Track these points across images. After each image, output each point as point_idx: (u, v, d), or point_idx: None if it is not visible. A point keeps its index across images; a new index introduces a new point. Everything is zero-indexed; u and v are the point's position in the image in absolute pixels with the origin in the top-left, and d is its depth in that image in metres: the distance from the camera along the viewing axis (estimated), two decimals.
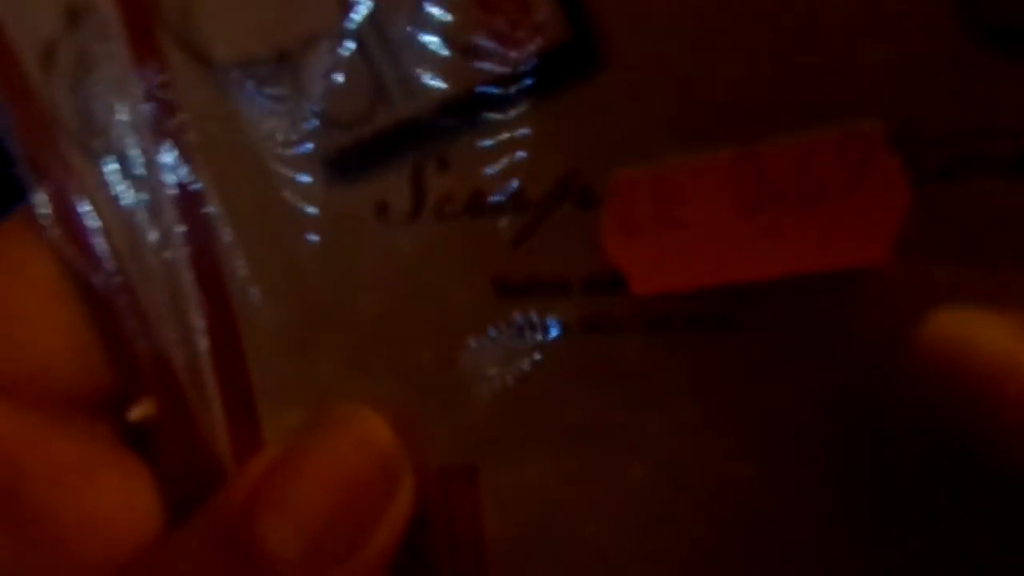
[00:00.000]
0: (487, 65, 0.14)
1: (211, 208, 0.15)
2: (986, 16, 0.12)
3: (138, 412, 0.16)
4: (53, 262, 0.16)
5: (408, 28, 0.14)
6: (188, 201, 0.15)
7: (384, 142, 0.15)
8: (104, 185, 0.15)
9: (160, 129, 0.15)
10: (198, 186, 0.15)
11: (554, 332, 0.15)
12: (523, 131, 0.14)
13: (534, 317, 0.15)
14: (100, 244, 0.16)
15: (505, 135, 0.14)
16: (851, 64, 0.13)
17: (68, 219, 0.16)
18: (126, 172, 0.15)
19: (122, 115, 0.15)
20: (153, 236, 0.15)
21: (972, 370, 0.12)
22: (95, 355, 0.16)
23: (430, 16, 0.14)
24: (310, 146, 0.15)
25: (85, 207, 0.16)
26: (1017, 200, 0.13)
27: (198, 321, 0.15)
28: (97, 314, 0.16)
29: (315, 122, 0.15)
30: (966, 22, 0.12)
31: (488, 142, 0.14)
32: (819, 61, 0.13)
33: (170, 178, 0.15)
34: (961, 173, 0.13)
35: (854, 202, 0.13)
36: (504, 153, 0.14)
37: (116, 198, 0.15)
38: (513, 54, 0.14)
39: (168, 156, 0.15)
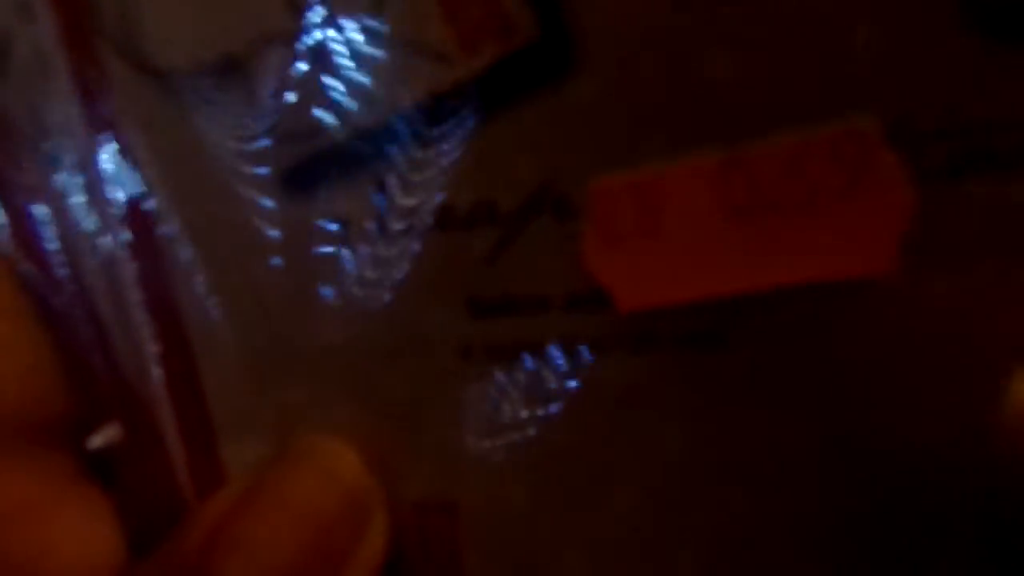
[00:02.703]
0: (451, 69, 0.13)
1: (163, 227, 0.14)
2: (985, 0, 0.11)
3: (100, 439, 0.15)
4: (9, 279, 0.15)
5: (365, 32, 0.13)
6: (136, 220, 0.14)
7: (343, 154, 0.14)
8: (61, 197, 0.15)
9: (104, 140, 0.14)
10: (147, 203, 0.14)
11: (572, 383, 0.14)
12: (493, 138, 0.13)
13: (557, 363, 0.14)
14: (58, 261, 0.15)
15: (474, 143, 0.13)
16: (842, 57, 0.12)
17: (25, 233, 0.15)
18: (79, 184, 0.15)
19: (67, 124, 0.14)
20: (100, 257, 0.14)
21: None
22: (54, 379, 0.15)
23: (389, 19, 0.13)
24: (265, 159, 0.14)
25: (43, 221, 0.15)
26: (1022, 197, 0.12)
27: (150, 347, 0.15)
28: (56, 335, 0.15)
29: (269, 134, 0.14)
30: (965, 7, 0.11)
31: (456, 151, 0.14)
32: (808, 55, 0.12)
33: (117, 194, 0.14)
34: (965, 170, 0.12)
35: (853, 206, 0.12)
36: (474, 163, 0.14)
37: (73, 212, 0.15)
38: (480, 56, 0.13)
39: (114, 169, 0.14)
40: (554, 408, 0.14)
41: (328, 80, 0.14)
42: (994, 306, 0.12)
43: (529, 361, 0.14)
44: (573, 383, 0.14)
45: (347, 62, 0.14)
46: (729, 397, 0.14)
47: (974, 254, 0.12)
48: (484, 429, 0.15)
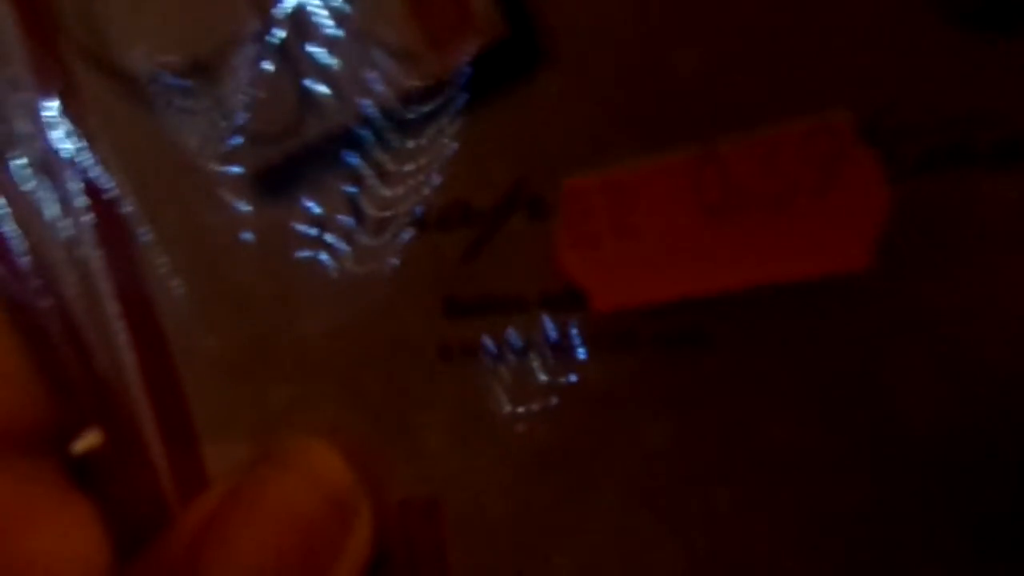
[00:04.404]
0: (423, 67, 0.13)
1: (137, 230, 0.14)
2: None
3: (83, 444, 0.15)
4: None
5: (335, 32, 0.13)
6: (110, 222, 0.14)
7: (316, 155, 0.14)
8: (29, 200, 0.14)
9: (75, 146, 0.14)
10: (121, 207, 0.14)
11: (553, 382, 0.14)
12: (467, 138, 0.13)
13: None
14: (29, 265, 0.15)
15: (447, 143, 0.13)
16: (815, 51, 0.12)
17: None
18: (50, 188, 0.14)
19: (31, 126, 0.14)
20: (73, 259, 0.14)
21: None
22: (32, 387, 0.15)
23: (358, 19, 0.13)
24: (237, 162, 0.14)
25: (11, 225, 0.15)
26: (1001, 194, 0.11)
27: (127, 351, 0.15)
28: (33, 341, 0.15)
29: (239, 137, 0.14)
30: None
31: (429, 151, 0.13)
32: (781, 49, 0.12)
33: (87, 200, 0.14)
34: (940, 166, 0.11)
35: (828, 202, 0.12)
36: (447, 162, 0.13)
37: (41, 213, 0.14)
38: (450, 54, 0.13)
39: (86, 176, 0.14)
40: (537, 407, 0.14)
41: (298, 81, 0.13)
42: (972, 301, 0.12)
43: (509, 360, 0.14)
44: (554, 382, 0.14)
45: (317, 63, 0.13)
46: (711, 394, 0.13)
47: (951, 250, 0.12)
48: (466, 428, 0.15)
